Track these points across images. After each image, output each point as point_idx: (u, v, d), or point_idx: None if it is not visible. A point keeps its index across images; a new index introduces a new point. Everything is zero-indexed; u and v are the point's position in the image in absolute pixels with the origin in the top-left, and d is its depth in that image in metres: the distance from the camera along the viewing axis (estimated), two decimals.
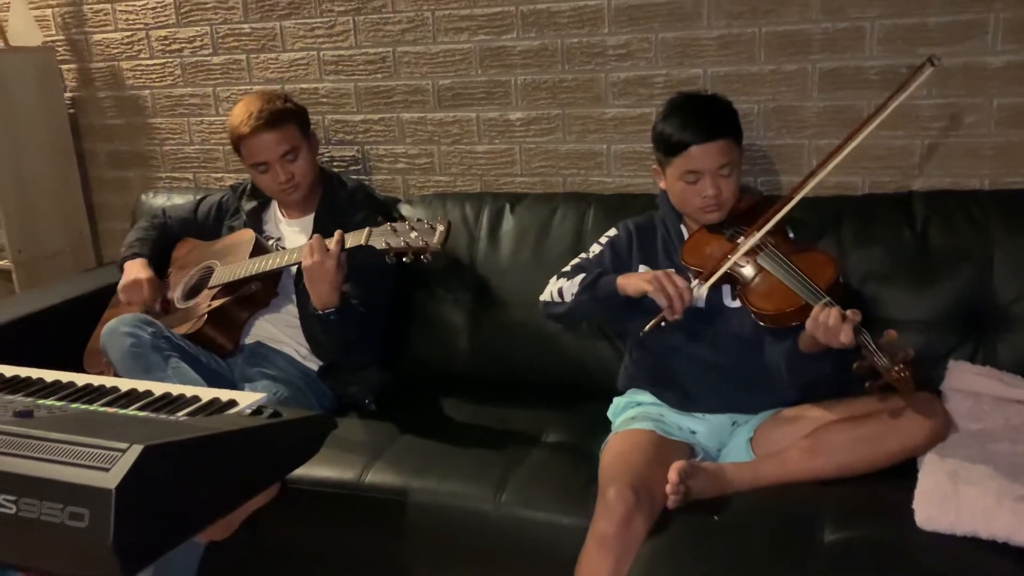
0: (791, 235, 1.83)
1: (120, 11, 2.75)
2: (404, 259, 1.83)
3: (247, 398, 1.37)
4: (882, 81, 2.05)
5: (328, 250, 1.85)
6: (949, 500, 1.43)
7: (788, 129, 2.16)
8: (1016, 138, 2.00)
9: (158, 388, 1.45)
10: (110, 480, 0.99)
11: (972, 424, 1.69)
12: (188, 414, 1.33)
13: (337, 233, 1.87)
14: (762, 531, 1.52)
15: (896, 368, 1.46)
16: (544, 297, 1.91)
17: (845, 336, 1.51)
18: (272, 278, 2.11)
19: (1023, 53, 1.94)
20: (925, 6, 1.99)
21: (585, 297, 1.81)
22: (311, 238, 1.91)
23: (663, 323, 1.68)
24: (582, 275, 1.84)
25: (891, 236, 1.95)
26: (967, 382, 1.79)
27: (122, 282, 2.21)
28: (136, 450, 1.02)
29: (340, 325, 1.92)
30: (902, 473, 1.57)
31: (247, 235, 2.16)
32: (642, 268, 1.89)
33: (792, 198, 1.71)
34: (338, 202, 2.19)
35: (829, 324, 1.53)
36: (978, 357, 1.85)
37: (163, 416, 1.29)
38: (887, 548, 1.44)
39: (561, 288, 1.86)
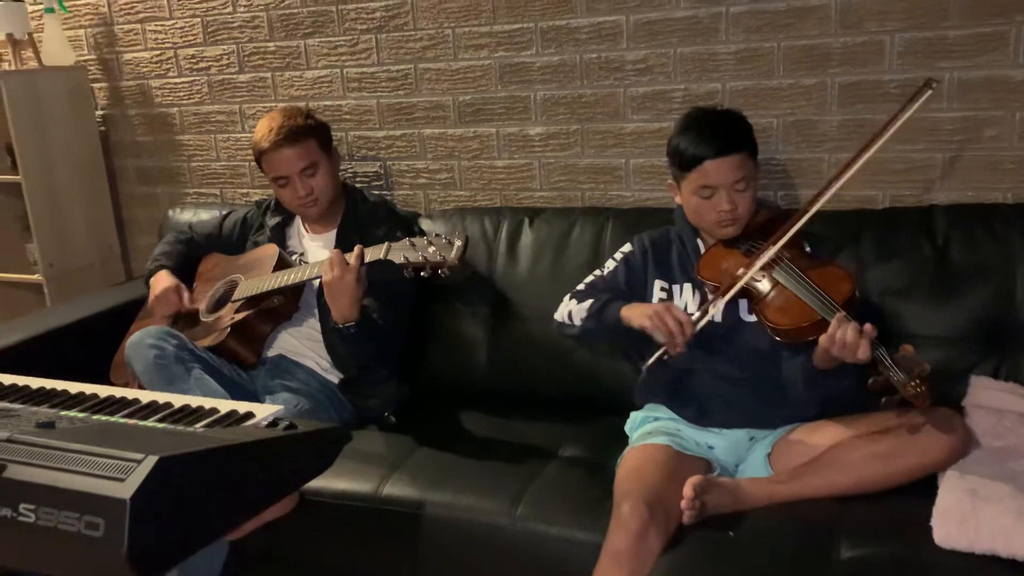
0: (808, 249, 1.82)
1: (150, 31, 2.82)
2: (422, 273, 1.84)
3: (264, 410, 1.39)
4: (901, 95, 2.04)
5: (348, 264, 1.88)
6: (968, 518, 1.42)
7: (807, 143, 2.15)
8: None
9: (178, 400, 1.48)
10: (125, 490, 1.01)
11: (994, 441, 1.67)
12: (206, 426, 1.35)
13: (357, 248, 1.90)
14: (778, 548, 1.51)
15: (913, 383, 1.45)
16: (557, 317, 1.92)
17: (862, 352, 1.51)
18: (295, 292, 2.14)
19: None
20: (945, 19, 1.98)
21: (592, 324, 1.83)
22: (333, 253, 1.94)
23: (665, 357, 1.69)
24: (591, 301, 1.85)
25: (912, 250, 1.94)
26: (989, 398, 1.77)
27: (152, 296, 2.26)
28: (151, 461, 1.04)
29: (360, 339, 1.95)
30: (921, 490, 1.56)
31: (271, 250, 2.20)
32: (658, 283, 1.90)
33: (804, 215, 1.71)
34: (360, 217, 2.22)
35: (847, 340, 1.53)
36: (1001, 373, 1.82)
37: (181, 428, 1.32)
38: (904, 566, 1.43)
39: (571, 311, 1.88)
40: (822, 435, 1.70)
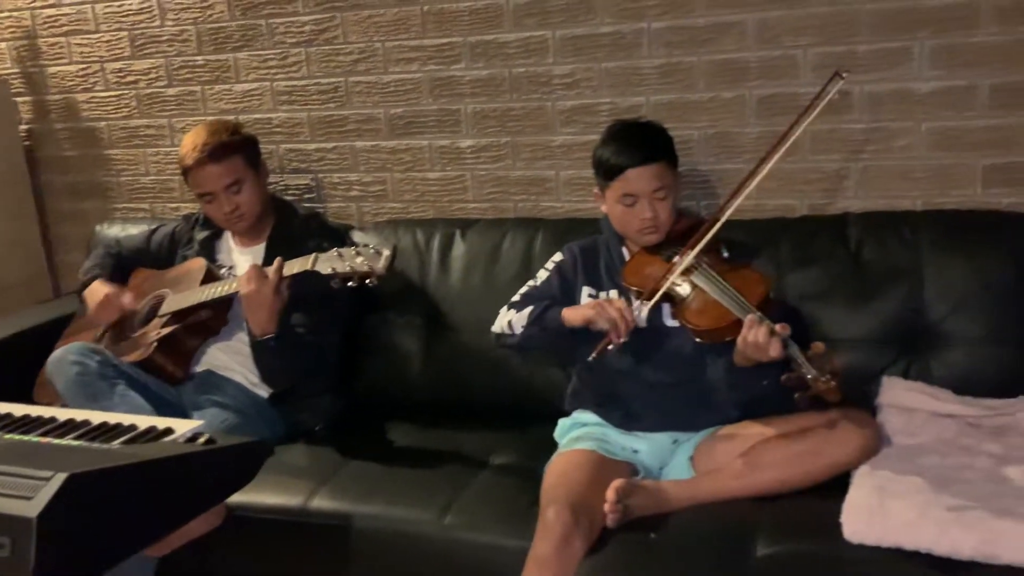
0: (725, 254, 1.88)
1: (75, 44, 2.78)
2: (350, 283, 1.85)
3: (184, 425, 1.38)
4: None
5: (266, 277, 1.88)
6: (876, 513, 1.47)
7: (728, 154, 2.22)
8: (946, 160, 2.06)
9: (96, 417, 1.46)
10: (32, 509, 1.00)
11: (905, 439, 1.74)
12: (123, 442, 1.34)
13: (277, 261, 1.91)
14: (698, 547, 1.55)
15: (823, 379, 1.50)
16: (495, 329, 1.95)
17: (774, 350, 1.56)
18: (223, 306, 2.13)
19: (948, 79, 2.02)
20: (854, 35, 2.06)
21: (534, 330, 1.86)
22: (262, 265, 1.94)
23: (609, 346, 1.72)
24: (530, 308, 1.88)
25: (827, 256, 2.00)
26: (900, 398, 1.84)
27: (93, 305, 2.21)
28: (60, 478, 1.03)
29: (281, 351, 1.95)
30: (836, 487, 1.61)
31: (198, 263, 2.18)
32: (587, 290, 1.93)
33: (719, 217, 1.76)
34: (291, 230, 2.22)
35: (759, 339, 1.58)
36: (911, 373, 1.89)
37: (96, 445, 1.30)
38: (817, 561, 1.48)
39: (511, 321, 1.91)
40: (742, 437, 1.75)
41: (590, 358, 1.74)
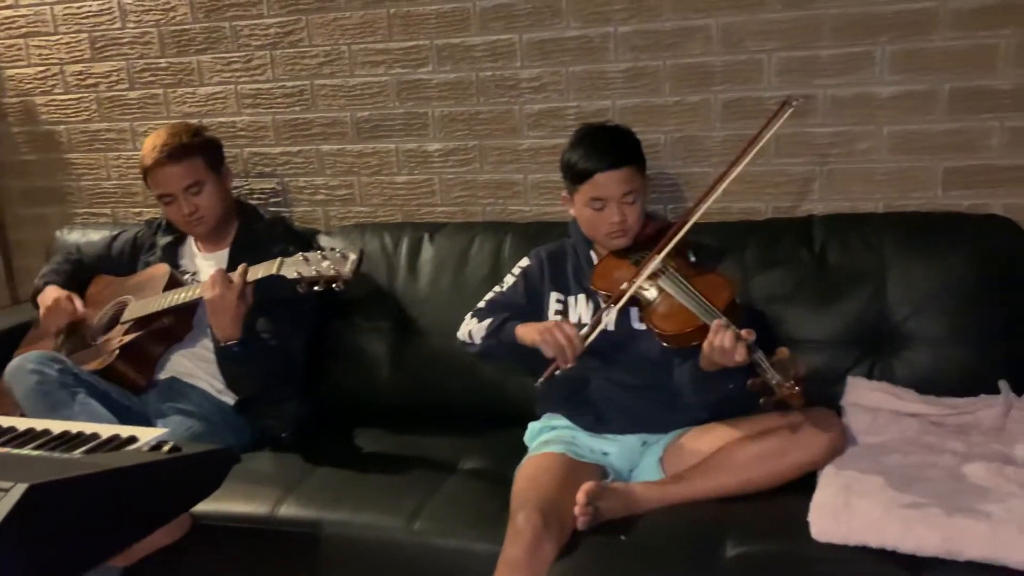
0: (692, 259, 1.89)
1: (33, 46, 2.72)
2: (316, 288, 1.84)
3: (148, 434, 1.36)
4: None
5: (230, 282, 1.86)
6: (842, 512, 1.49)
7: (694, 158, 2.23)
8: (907, 163, 2.10)
9: (57, 426, 1.43)
10: None
11: (869, 438, 1.76)
12: (86, 451, 1.31)
13: (241, 266, 1.89)
14: (668, 549, 1.56)
15: (787, 384, 1.52)
16: (459, 335, 1.95)
17: (739, 355, 1.57)
18: (186, 312, 2.10)
19: (908, 84, 2.05)
20: (817, 39, 2.08)
21: (492, 342, 1.87)
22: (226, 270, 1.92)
23: (556, 371, 1.72)
24: (489, 320, 1.88)
25: (792, 258, 2.02)
26: (865, 397, 1.86)
27: (43, 309, 2.17)
28: (20, 489, 1.01)
29: (245, 357, 1.93)
30: (803, 487, 1.63)
31: (161, 269, 2.15)
32: (554, 295, 1.94)
33: (682, 226, 1.78)
34: (255, 235, 2.20)
35: (724, 344, 1.59)
36: (875, 373, 1.92)
37: (58, 454, 1.27)
38: (785, 560, 1.49)
39: (471, 331, 1.91)
40: (710, 438, 1.76)
41: (537, 383, 1.74)
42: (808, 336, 1.95)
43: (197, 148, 2.12)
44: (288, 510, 1.77)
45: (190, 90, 2.61)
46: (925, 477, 1.58)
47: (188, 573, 1.76)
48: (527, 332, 1.79)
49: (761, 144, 1.74)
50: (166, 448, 1.30)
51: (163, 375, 2.12)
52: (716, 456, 1.71)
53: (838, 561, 1.45)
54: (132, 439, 1.35)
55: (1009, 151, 2.02)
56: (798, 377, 1.54)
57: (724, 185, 1.76)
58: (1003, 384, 1.81)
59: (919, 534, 1.41)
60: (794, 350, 1.62)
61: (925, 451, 1.69)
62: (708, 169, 2.23)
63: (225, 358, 1.98)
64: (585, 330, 1.75)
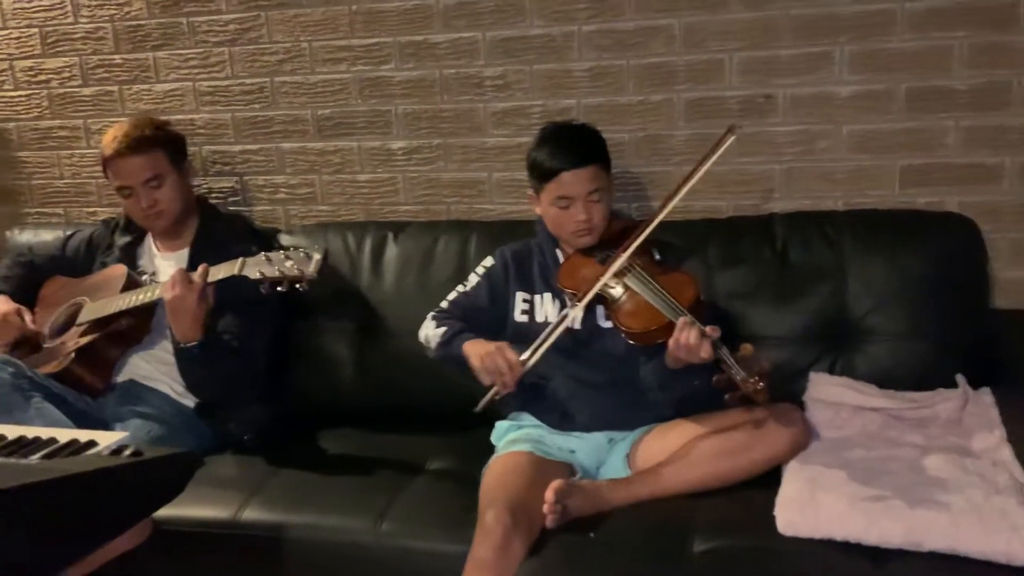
0: (657, 257, 1.90)
1: None
2: (279, 288, 1.81)
3: (108, 438, 1.32)
4: (742, 110, 2.16)
5: (191, 283, 1.82)
6: (808, 506, 1.51)
7: (658, 157, 2.25)
8: (865, 162, 2.13)
9: (13, 431, 1.39)
10: None
11: (832, 432, 1.79)
12: (43, 457, 1.27)
13: (202, 266, 1.85)
14: (636, 545, 1.56)
15: (752, 380, 1.53)
16: (420, 337, 1.94)
17: (705, 352, 1.58)
18: (145, 313, 2.05)
19: (867, 84, 2.08)
20: (778, 40, 2.11)
21: (443, 353, 1.87)
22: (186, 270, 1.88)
23: (497, 396, 1.72)
24: (444, 328, 1.88)
25: (754, 256, 2.05)
26: (827, 392, 1.89)
27: None
28: None
29: (206, 359, 1.90)
30: (767, 482, 1.65)
31: (119, 270, 2.10)
32: (520, 295, 1.94)
33: (651, 222, 1.78)
34: (215, 234, 2.16)
35: (690, 342, 1.60)
36: (836, 368, 1.95)
37: (13, 460, 1.23)
38: (753, 554, 1.51)
39: (428, 336, 1.91)
40: (676, 434, 1.78)
41: (476, 409, 1.73)
42: (771, 333, 1.98)
43: (159, 141, 2.08)
44: (251, 514, 1.75)
45: (146, 87, 2.55)
46: (887, 470, 1.61)
47: None
48: (471, 352, 1.78)
49: (705, 168, 1.77)
50: (127, 452, 1.27)
51: (121, 378, 2.07)
52: (682, 452, 1.72)
53: (804, 554, 1.47)
54: (91, 443, 1.32)
55: (964, 150, 2.06)
56: (762, 373, 1.55)
57: (683, 192, 1.77)
58: (960, 378, 1.85)
59: (883, 526, 1.44)
60: (757, 347, 1.63)
61: (886, 444, 1.72)
62: (671, 168, 2.24)
63: (185, 360, 1.94)
64: (526, 354, 1.73)
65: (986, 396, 1.80)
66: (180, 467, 1.34)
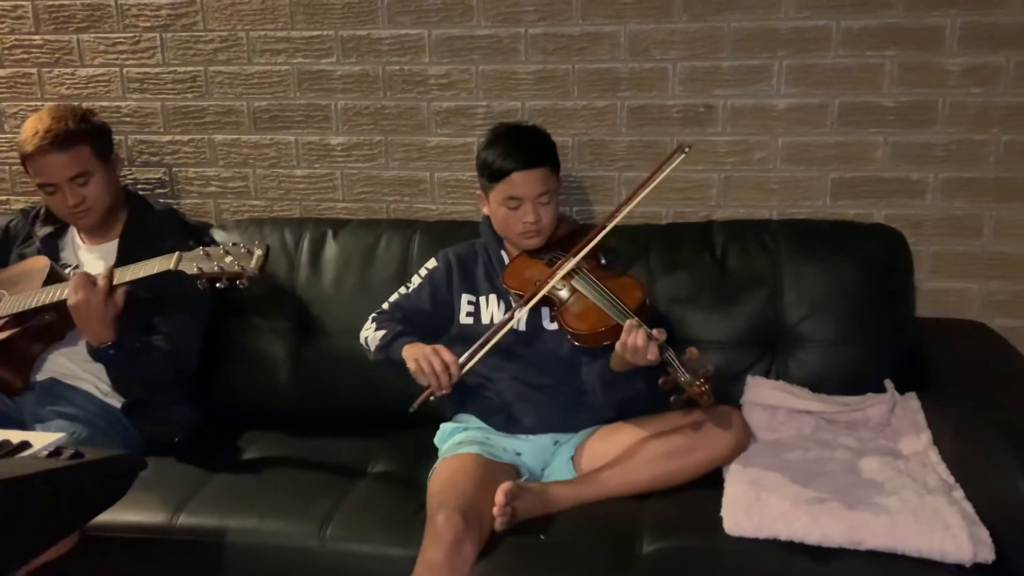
0: (603, 261, 1.92)
1: None
2: (218, 285, 1.74)
3: (43, 439, 1.25)
4: (683, 119, 2.21)
5: (95, 286, 1.74)
6: (753, 506, 1.55)
7: (600, 162, 2.27)
8: (798, 173, 2.21)
9: None
10: None
11: (769, 435, 1.84)
12: None
13: (106, 268, 1.79)
14: (586, 547, 1.57)
15: (697, 383, 1.56)
16: (360, 339, 1.92)
17: (651, 354, 1.60)
18: (68, 309, 1.94)
19: (802, 97, 2.15)
20: (719, 51, 2.16)
21: (382, 356, 1.85)
22: (115, 266, 1.80)
23: (431, 398, 1.72)
24: (383, 332, 1.86)
25: (694, 262, 2.08)
26: (763, 396, 1.94)
27: None
28: None
29: (122, 360, 1.82)
30: (710, 484, 1.68)
31: (40, 262, 1.99)
32: (465, 297, 1.93)
33: (604, 228, 1.81)
34: (146, 227, 2.06)
35: (637, 344, 1.61)
36: (772, 372, 2.00)
37: None
38: (700, 554, 1.53)
39: (367, 338, 1.89)
40: (619, 437, 1.80)
41: (411, 409, 1.72)
42: (709, 337, 2.01)
43: (85, 135, 1.96)
44: (188, 519, 1.68)
45: (68, 71, 2.43)
46: (825, 471, 1.66)
47: None
48: (408, 354, 1.77)
49: (654, 184, 1.80)
50: (66, 454, 1.20)
51: (41, 376, 1.96)
52: (626, 455, 1.74)
53: (750, 554, 1.50)
54: (24, 444, 1.24)
55: (891, 164, 2.16)
56: (707, 376, 1.58)
57: (636, 202, 1.80)
58: (888, 383, 1.93)
59: (825, 525, 1.48)
60: (697, 350, 1.67)
61: (821, 447, 1.78)
62: (613, 173, 2.27)
63: (100, 362, 1.85)
64: (464, 356, 1.73)
65: (912, 401, 1.88)
66: (122, 470, 1.27)
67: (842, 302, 2.00)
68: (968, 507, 1.53)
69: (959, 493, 1.58)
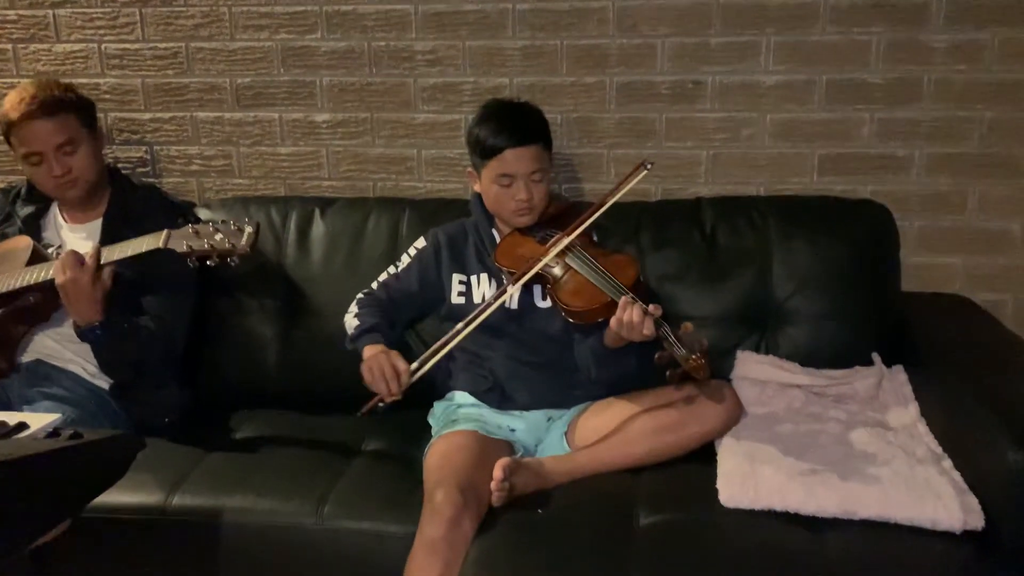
0: (595, 239, 1.92)
1: None
2: (208, 263, 1.72)
3: (40, 420, 1.23)
4: (672, 95, 2.21)
5: (82, 264, 1.72)
6: (748, 479, 1.57)
7: (589, 139, 2.26)
8: (785, 149, 2.22)
9: None
10: None
11: (759, 408, 1.86)
12: None
13: (93, 247, 1.76)
14: (584, 521, 1.58)
15: (694, 357, 1.57)
16: (344, 320, 1.92)
17: (647, 329, 1.61)
18: (53, 289, 1.90)
19: (790, 73, 2.16)
20: (708, 27, 2.16)
21: (352, 348, 1.85)
22: (99, 243, 1.77)
23: (380, 404, 1.73)
24: (358, 322, 1.87)
25: (683, 239, 2.09)
26: (753, 371, 1.96)
27: None
28: None
29: (110, 341, 1.80)
30: (702, 457, 1.70)
31: (23, 242, 1.95)
32: (456, 277, 1.92)
33: (602, 206, 1.80)
34: (131, 206, 2.03)
35: (633, 320, 1.62)
36: (762, 347, 2.02)
37: None
38: (696, 526, 1.55)
39: (347, 324, 1.90)
40: (613, 412, 1.81)
41: (359, 414, 1.74)
42: (699, 313, 2.02)
43: (71, 104, 1.94)
44: (183, 499, 1.67)
45: (45, 46, 2.37)
46: (817, 444, 1.68)
47: (74, 573, 1.62)
48: (365, 355, 1.78)
49: (615, 199, 1.81)
50: (65, 435, 1.18)
51: (27, 358, 1.93)
52: (619, 429, 1.75)
53: (746, 525, 1.52)
54: (22, 426, 1.22)
55: (877, 141, 2.18)
56: (703, 349, 1.59)
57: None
58: (875, 356, 1.96)
59: (819, 496, 1.51)
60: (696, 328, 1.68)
61: (812, 420, 1.80)
62: (602, 151, 2.27)
63: (87, 342, 1.82)
64: (415, 364, 1.74)
65: (900, 374, 1.91)
66: (122, 449, 1.26)
67: (830, 277, 2.02)
68: (957, 476, 1.56)
69: (948, 463, 1.61)
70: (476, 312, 1.77)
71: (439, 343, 1.76)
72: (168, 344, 1.96)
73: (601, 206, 1.81)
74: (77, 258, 1.74)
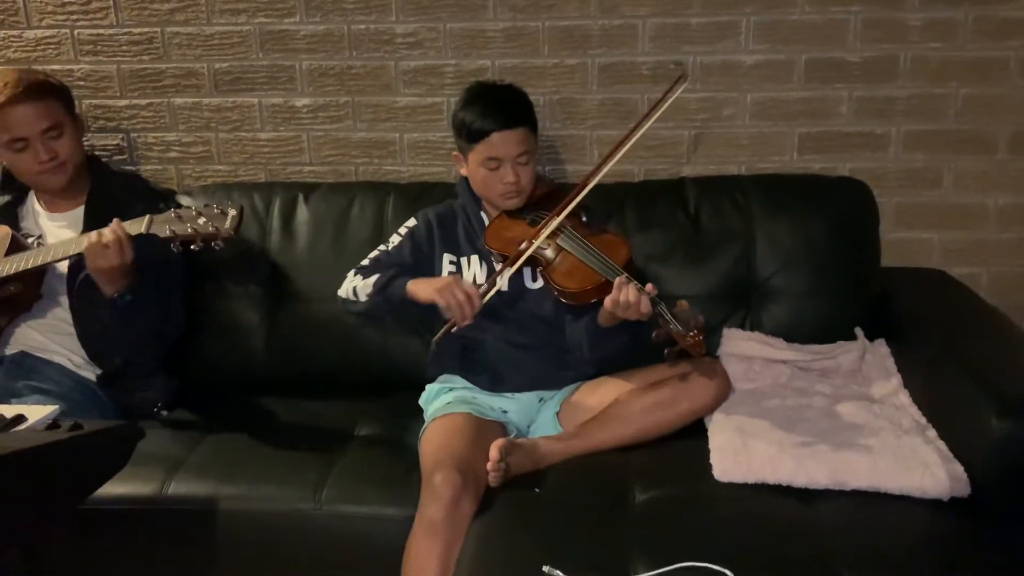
0: (584, 219, 1.93)
1: None
2: (192, 247, 1.71)
3: (37, 412, 1.22)
4: (653, 76, 2.22)
5: (107, 245, 1.70)
6: (740, 453, 1.59)
7: (572, 120, 2.27)
8: (766, 128, 2.24)
9: None
10: None
11: (746, 384, 1.89)
12: None
13: (115, 222, 1.74)
14: (581, 499, 1.60)
15: (691, 334, 1.59)
16: (341, 293, 1.88)
17: (644, 307, 1.62)
18: (35, 279, 1.89)
19: (770, 53, 2.18)
20: (688, 7, 2.17)
21: (379, 299, 1.82)
22: (83, 232, 1.74)
23: (453, 329, 1.72)
24: (376, 276, 1.83)
25: (668, 219, 2.11)
26: (740, 347, 1.99)
27: None
28: None
29: (136, 309, 1.79)
30: (693, 434, 1.73)
31: (2, 231, 1.92)
32: (447, 257, 1.92)
33: (587, 184, 1.81)
34: (112, 193, 2.00)
35: (629, 299, 1.64)
36: (747, 324, 2.05)
37: None
38: (690, 501, 1.57)
39: (356, 287, 1.85)
40: (604, 391, 1.83)
41: (433, 340, 1.74)
42: (685, 292, 2.03)
43: (54, 88, 1.91)
44: (178, 487, 1.66)
45: (15, 32, 2.32)
46: (805, 418, 1.72)
47: (63, 564, 1.61)
48: (421, 288, 1.76)
49: (662, 111, 1.81)
50: (65, 426, 1.17)
51: (10, 350, 1.90)
52: (611, 409, 1.77)
53: (739, 498, 1.55)
54: (20, 418, 1.21)
55: (856, 119, 2.21)
56: (699, 327, 1.61)
57: (625, 149, 1.80)
58: (858, 331, 2.00)
59: (810, 468, 1.54)
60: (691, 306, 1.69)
61: (798, 394, 1.84)
62: (585, 132, 2.28)
63: (117, 312, 1.80)
64: (483, 287, 1.75)
65: (882, 347, 1.95)
66: (123, 439, 1.25)
67: (812, 255, 2.05)
68: (942, 445, 1.60)
69: (932, 433, 1.65)
70: (517, 252, 1.77)
71: (492, 276, 1.78)
72: (173, 321, 1.95)
73: (598, 172, 1.81)
74: (102, 238, 1.73)
